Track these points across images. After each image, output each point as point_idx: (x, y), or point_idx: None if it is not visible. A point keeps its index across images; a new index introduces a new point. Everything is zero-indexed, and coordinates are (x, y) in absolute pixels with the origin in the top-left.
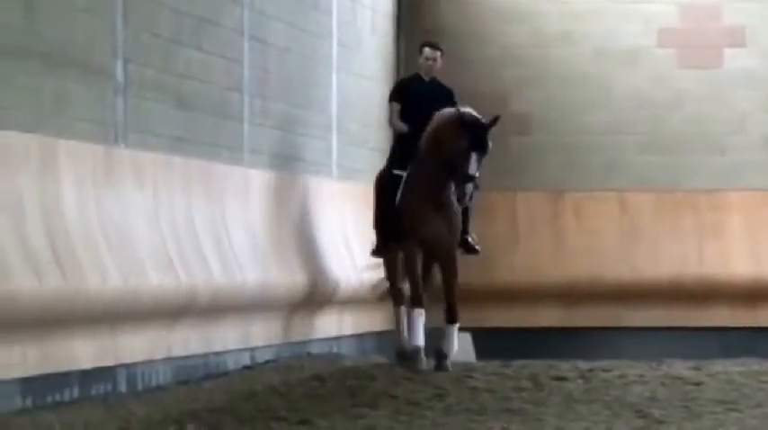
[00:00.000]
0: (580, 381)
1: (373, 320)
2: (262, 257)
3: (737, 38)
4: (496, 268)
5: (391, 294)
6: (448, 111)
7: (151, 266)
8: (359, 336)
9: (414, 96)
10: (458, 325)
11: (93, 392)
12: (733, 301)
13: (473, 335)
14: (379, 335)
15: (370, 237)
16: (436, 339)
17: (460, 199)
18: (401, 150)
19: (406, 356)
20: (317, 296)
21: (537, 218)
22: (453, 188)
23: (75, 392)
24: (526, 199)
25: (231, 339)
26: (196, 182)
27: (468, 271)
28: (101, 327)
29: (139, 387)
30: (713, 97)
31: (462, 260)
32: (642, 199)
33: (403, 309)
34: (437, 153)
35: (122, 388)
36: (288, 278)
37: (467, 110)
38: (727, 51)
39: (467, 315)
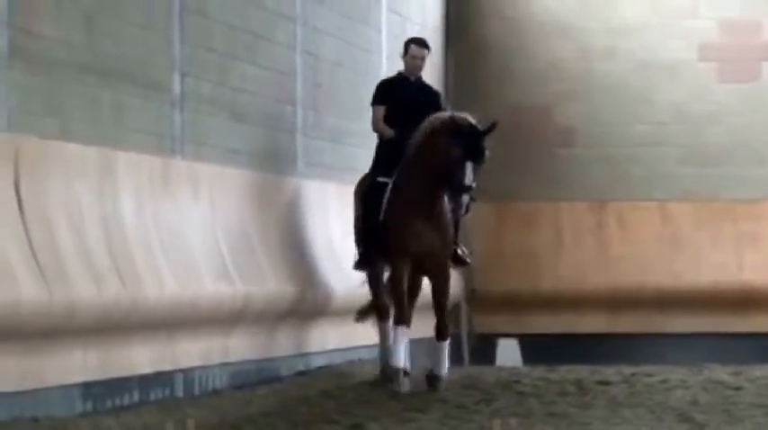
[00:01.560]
0: (624, 386)
1: (423, 327)
2: (316, 266)
3: None
4: (542, 276)
5: (375, 307)
6: (440, 115)
7: (207, 274)
8: (409, 342)
9: (399, 98)
10: (448, 341)
11: (152, 397)
12: None
13: (519, 341)
14: (428, 341)
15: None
16: (426, 355)
17: (456, 211)
18: (386, 156)
19: (389, 374)
20: (362, 301)
21: (581, 227)
22: (447, 199)
23: (135, 397)
24: (570, 209)
25: (285, 345)
26: (250, 192)
27: (514, 279)
28: (159, 334)
29: (196, 391)
30: (752, 110)
31: (508, 267)
32: (683, 209)
33: (390, 324)
34: (428, 161)
35: (180, 392)
36: (342, 286)
37: (460, 114)
38: (766, 65)
39: (514, 323)
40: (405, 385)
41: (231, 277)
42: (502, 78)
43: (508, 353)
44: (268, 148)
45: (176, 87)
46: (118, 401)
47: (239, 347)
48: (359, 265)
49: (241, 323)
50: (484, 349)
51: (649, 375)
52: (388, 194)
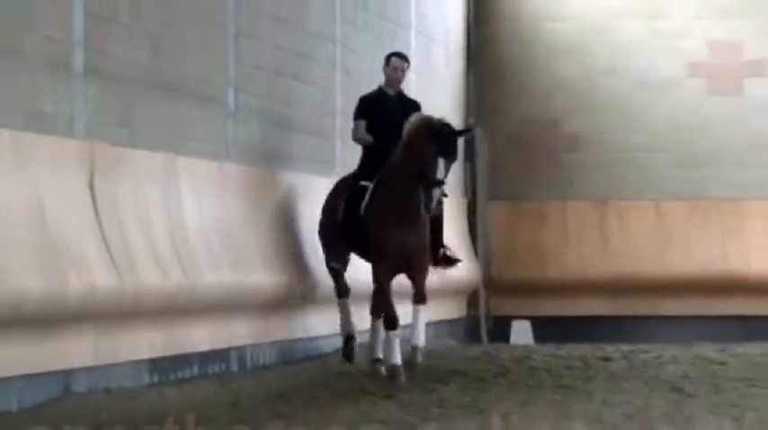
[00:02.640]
0: (622, 362)
1: (446, 309)
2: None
3: (757, 69)
4: (550, 266)
5: (335, 287)
6: (419, 117)
7: (256, 264)
8: (434, 323)
9: (380, 112)
10: (426, 306)
11: (209, 371)
12: (752, 293)
13: (531, 323)
14: (450, 322)
15: (445, 239)
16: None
17: (427, 205)
18: (370, 164)
19: (380, 365)
20: (396, 288)
21: (584, 223)
22: (421, 194)
23: (195, 371)
24: (575, 207)
25: (326, 326)
26: (295, 192)
27: (526, 268)
28: (215, 316)
29: (248, 366)
30: (735, 120)
31: (520, 258)
32: (674, 207)
33: (380, 322)
34: (408, 160)
35: (234, 367)
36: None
37: (438, 117)
38: (748, 81)
39: (526, 306)
40: (403, 378)
41: (275, 267)
42: (515, 94)
43: (521, 333)
44: (310, 154)
45: (230, 101)
46: (180, 375)
47: (286, 327)
48: (331, 263)
49: (286, 306)
50: (500, 329)
51: (645, 352)
52: (369, 195)
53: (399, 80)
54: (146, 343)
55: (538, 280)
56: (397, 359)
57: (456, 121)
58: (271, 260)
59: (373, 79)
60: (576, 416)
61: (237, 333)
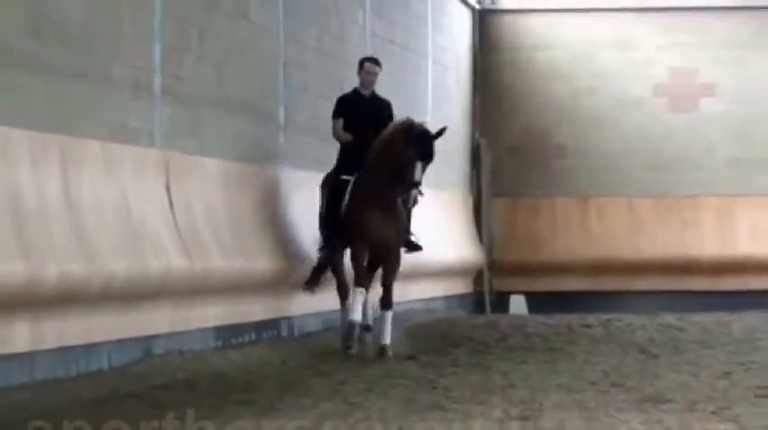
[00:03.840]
0: (600, 328)
1: (456, 285)
2: None
3: (709, 90)
4: (542, 250)
5: (337, 290)
6: (400, 121)
7: (302, 251)
8: (447, 297)
9: (357, 111)
10: (392, 312)
11: (264, 337)
12: (705, 272)
13: (526, 298)
14: (460, 296)
15: (456, 228)
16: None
17: (405, 203)
18: (348, 158)
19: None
20: (417, 268)
21: (570, 216)
22: (400, 193)
23: (252, 337)
24: (563, 203)
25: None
26: None
27: (522, 252)
28: (269, 291)
29: (296, 334)
30: (692, 131)
31: (518, 244)
32: (644, 203)
33: (349, 301)
34: (386, 160)
35: (284, 334)
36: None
37: (417, 121)
38: (702, 100)
39: (522, 284)
40: (355, 343)
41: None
42: (514, 111)
43: (518, 305)
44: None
45: (281, 117)
46: (239, 340)
47: (328, 301)
48: (323, 248)
49: (328, 283)
50: (501, 302)
51: (619, 320)
52: (350, 189)
53: (372, 82)
54: (212, 313)
55: (532, 262)
56: (357, 316)
57: (465, 133)
58: (314, 247)
59: (400, 101)
60: (562, 372)
61: (287, 305)
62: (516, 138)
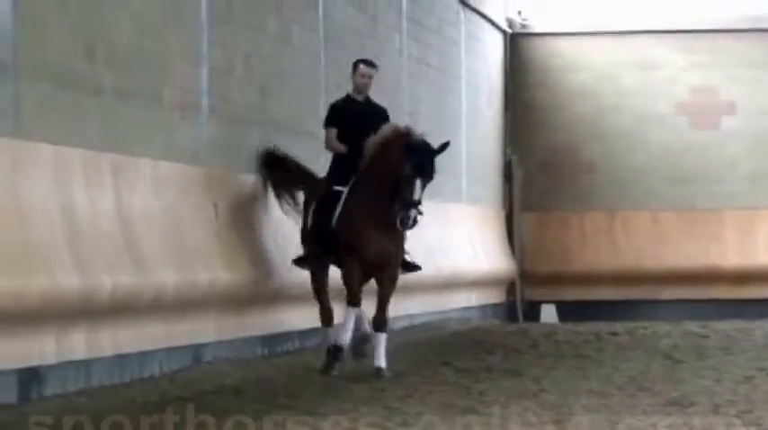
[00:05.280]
0: (627, 336)
1: (490, 295)
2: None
3: (730, 109)
4: (572, 261)
5: (320, 313)
6: (395, 127)
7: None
8: (481, 307)
9: (350, 119)
10: (386, 334)
11: (307, 345)
12: (727, 282)
13: (556, 307)
14: (493, 305)
15: (489, 241)
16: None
17: (404, 222)
18: (340, 168)
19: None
20: (453, 279)
21: (598, 229)
22: (397, 211)
23: (296, 345)
24: (591, 216)
25: (396, 309)
26: None
27: (552, 263)
28: (311, 302)
29: None
30: (713, 148)
31: (548, 256)
32: (668, 215)
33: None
34: (382, 170)
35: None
36: (436, 268)
37: (415, 132)
38: (723, 118)
39: (553, 293)
40: (337, 366)
41: None
42: (543, 128)
43: (549, 314)
44: None
45: (321, 135)
46: (284, 348)
47: (370, 310)
48: (301, 262)
49: (365, 294)
50: (532, 311)
51: (645, 328)
52: (342, 202)
53: (367, 86)
54: (258, 323)
55: (562, 272)
56: (345, 340)
57: (497, 150)
58: None
59: (435, 121)
60: (591, 377)
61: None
62: (546, 155)
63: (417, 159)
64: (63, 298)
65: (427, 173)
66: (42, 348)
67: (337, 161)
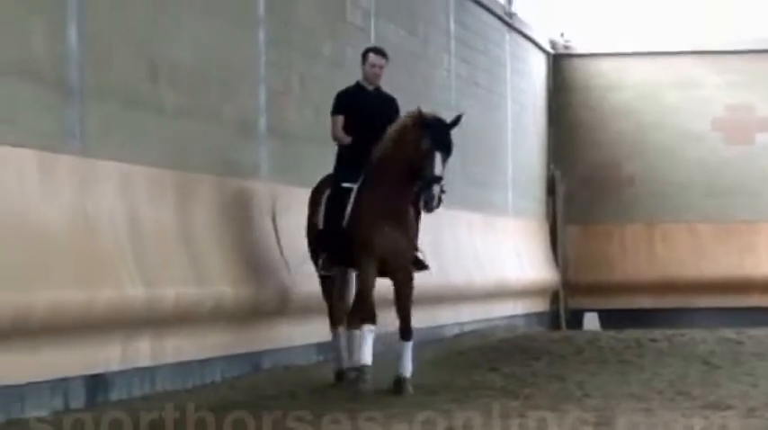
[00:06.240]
0: (666, 342)
1: (535, 304)
2: (469, 264)
3: (764, 125)
4: (613, 271)
5: (329, 314)
6: (408, 112)
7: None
8: (526, 315)
9: (358, 107)
10: (412, 342)
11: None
12: (762, 291)
13: (599, 315)
14: (538, 314)
15: (534, 252)
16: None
17: (428, 203)
18: (348, 162)
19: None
20: (500, 289)
21: (638, 240)
22: (418, 193)
23: None
24: (631, 229)
25: (447, 317)
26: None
27: (595, 273)
28: None
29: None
30: (748, 162)
31: (590, 266)
32: (705, 227)
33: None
34: (397, 158)
35: (380, 348)
36: (484, 278)
37: (428, 111)
38: (758, 134)
39: (595, 302)
40: (369, 383)
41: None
42: (586, 145)
43: (591, 321)
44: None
45: None
46: None
47: (415, 318)
48: (324, 268)
49: (420, 303)
50: (575, 319)
51: (682, 335)
52: (352, 199)
53: (378, 76)
54: (314, 330)
55: (603, 282)
56: (368, 358)
57: (541, 165)
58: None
59: (482, 138)
60: (632, 382)
61: (382, 322)
62: (588, 170)
63: (434, 133)
64: (129, 308)
65: (445, 145)
66: (108, 356)
67: (345, 155)
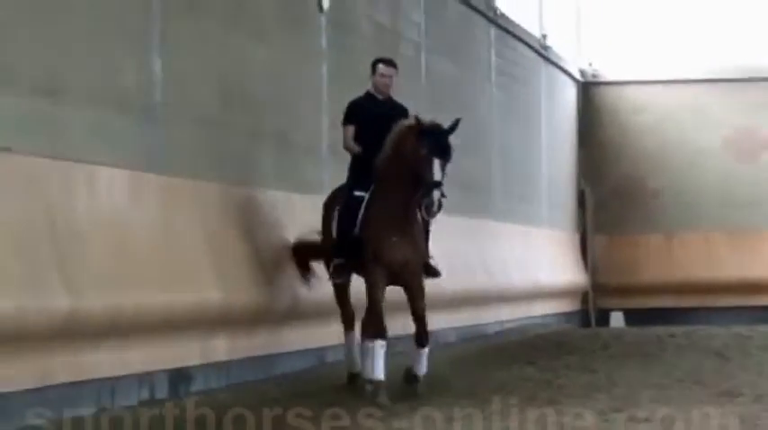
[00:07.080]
0: (684, 337)
1: (567, 304)
2: (510, 269)
3: None
4: (638, 274)
5: (341, 318)
6: (403, 121)
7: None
8: (559, 314)
9: (369, 117)
10: (428, 348)
11: (398, 349)
12: None
13: (624, 313)
14: (569, 313)
15: (566, 259)
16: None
17: (428, 208)
18: (360, 171)
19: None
20: (536, 291)
21: (659, 247)
22: (420, 198)
23: (399, 348)
24: (654, 237)
25: (489, 316)
26: (467, 232)
27: (620, 276)
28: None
29: (439, 344)
30: (757, 178)
31: (616, 270)
32: (718, 236)
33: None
34: (397, 165)
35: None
36: (522, 282)
37: (425, 118)
38: (764, 153)
39: (621, 302)
40: (385, 398)
41: (459, 276)
42: (614, 161)
43: (617, 319)
44: (477, 205)
45: None
46: (395, 350)
47: (462, 317)
48: (336, 275)
49: (466, 304)
50: (603, 317)
51: (699, 331)
52: (363, 209)
53: (387, 86)
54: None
55: (628, 284)
56: (381, 374)
57: (573, 181)
58: (455, 271)
59: (520, 157)
60: (654, 372)
61: (433, 320)
62: (616, 184)
63: (432, 140)
64: (207, 310)
65: (443, 151)
66: (189, 352)
67: (357, 165)
